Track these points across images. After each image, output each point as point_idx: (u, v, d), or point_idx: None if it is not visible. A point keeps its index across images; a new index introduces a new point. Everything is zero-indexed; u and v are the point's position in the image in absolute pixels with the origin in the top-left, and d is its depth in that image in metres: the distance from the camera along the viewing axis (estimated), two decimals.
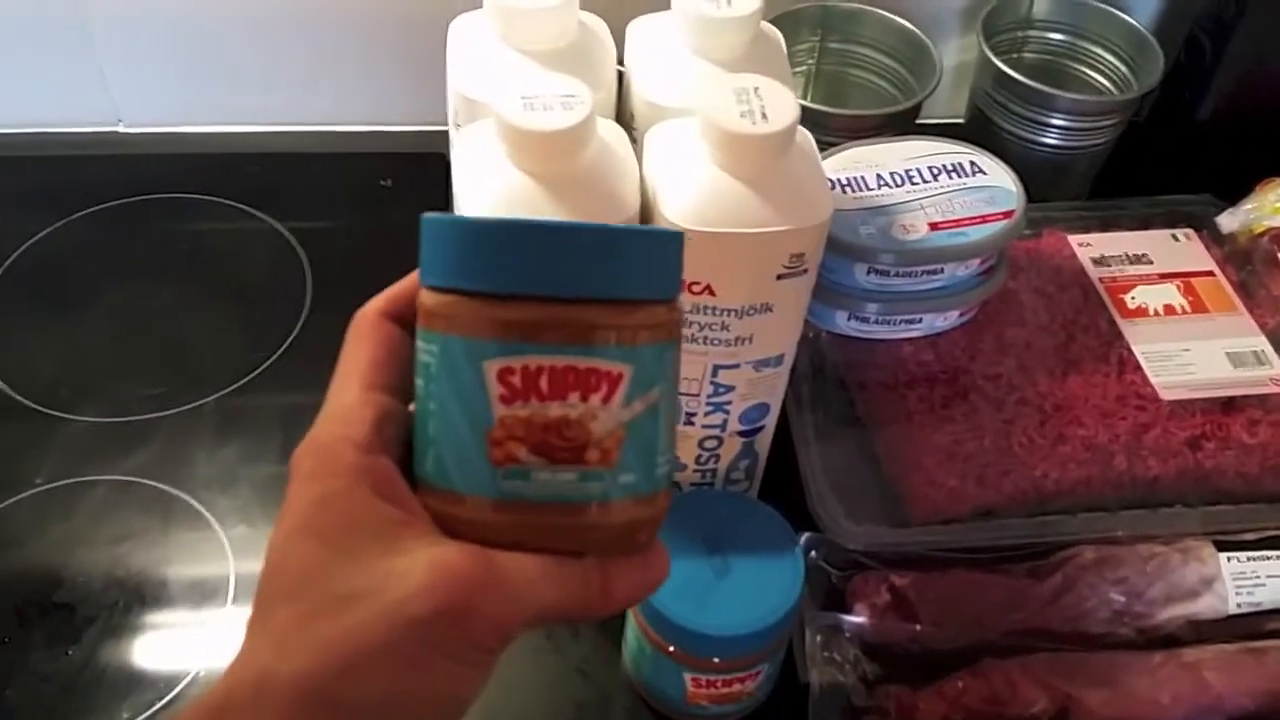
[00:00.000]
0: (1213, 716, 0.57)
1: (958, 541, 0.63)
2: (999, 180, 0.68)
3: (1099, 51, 0.87)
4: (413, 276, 0.37)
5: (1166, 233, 0.78)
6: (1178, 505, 0.65)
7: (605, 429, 0.33)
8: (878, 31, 0.86)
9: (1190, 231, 0.79)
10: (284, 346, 0.75)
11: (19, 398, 0.72)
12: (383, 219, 0.83)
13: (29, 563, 0.65)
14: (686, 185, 0.51)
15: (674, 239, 0.35)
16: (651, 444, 0.34)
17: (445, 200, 0.54)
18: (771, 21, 0.61)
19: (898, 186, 0.68)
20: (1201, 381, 0.69)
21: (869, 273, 0.66)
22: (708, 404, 0.60)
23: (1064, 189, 0.85)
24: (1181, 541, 0.63)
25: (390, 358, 0.36)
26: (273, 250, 0.81)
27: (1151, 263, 0.76)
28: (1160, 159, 0.88)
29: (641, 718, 0.61)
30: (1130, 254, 0.77)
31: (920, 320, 0.69)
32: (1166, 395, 0.68)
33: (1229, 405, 0.69)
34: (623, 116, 0.60)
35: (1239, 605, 0.61)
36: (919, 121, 0.82)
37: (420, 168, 0.85)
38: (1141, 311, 0.73)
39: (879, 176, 0.68)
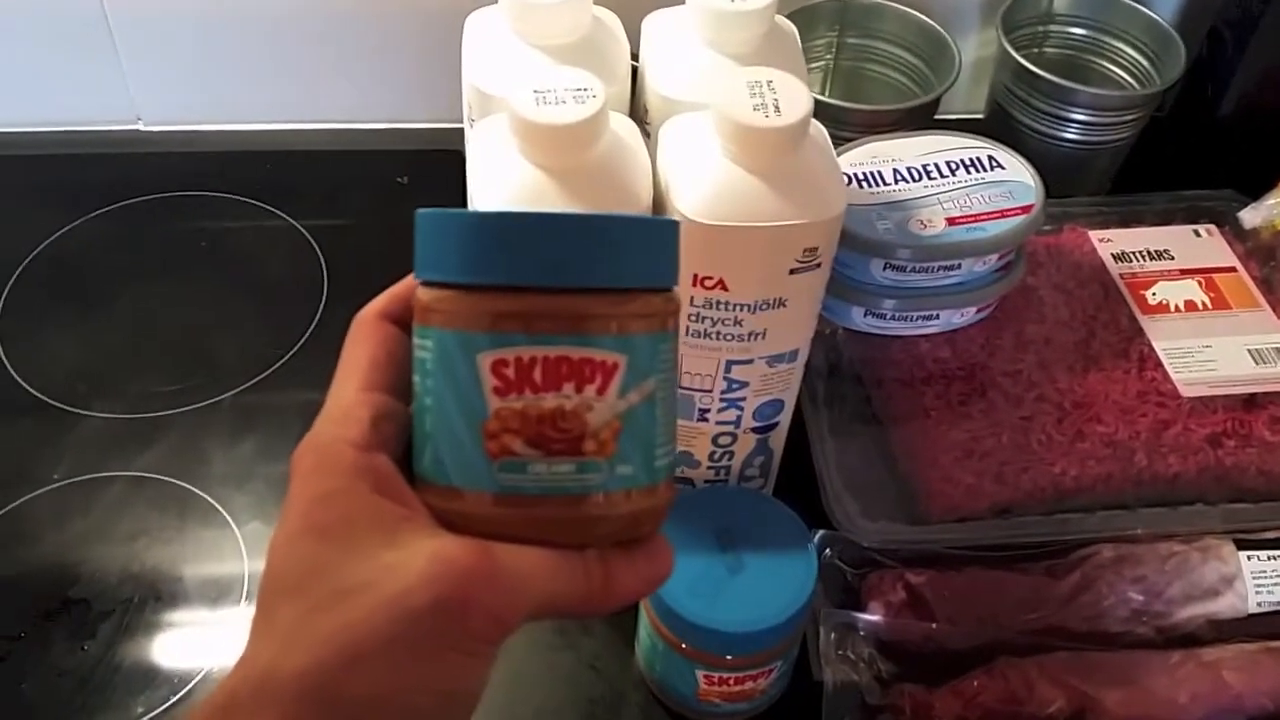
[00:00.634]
0: (1232, 716, 0.56)
1: (974, 539, 0.62)
2: (1017, 175, 0.68)
3: (1120, 46, 0.86)
4: (410, 277, 0.37)
5: (1188, 228, 0.78)
6: (1198, 503, 0.65)
7: (601, 420, 0.33)
8: (896, 26, 0.85)
9: (1212, 227, 0.78)
10: (300, 343, 0.75)
11: (38, 394, 0.72)
12: (399, 216, 0.81)
13: (46, 558, 0.65)
14: (699, 179, 0.51)
15: (668, 227, 0.35)
16: (650, 435, 0.34)
17: (461, 197, 0.54)
18: (789, 17, 0.61)
19: (915, 181, 0.67)
20: (1223, 378, 0.68)
21: (885, 268, 0.66)
22: (721, 400, 0.59)
23: (1085, 184, 0.85)
24: (1201, 540, 0.62)
25: (389, 358, 0.37)
26: (290, 247, 0.81)
27: (1173, 258, 0.75)
28: (1182, 154, 0.88)
29: (654, 714, 0.60)
30: (1151, 250, 0.76)
31: (937, 316, 0.69)
32: (1187, 392, 0.68)
33: (1250, 402, 0.68)
34: (637, 111, 0.60)
35: (1259, 604, 0.61)
36: (938, 117, 0.81)
37: (436, 165, 0.85)
38: (1162, 308, 0.72)
39: (896, 171, 0.68)
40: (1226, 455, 0.66)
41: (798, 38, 0.61)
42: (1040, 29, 0.87)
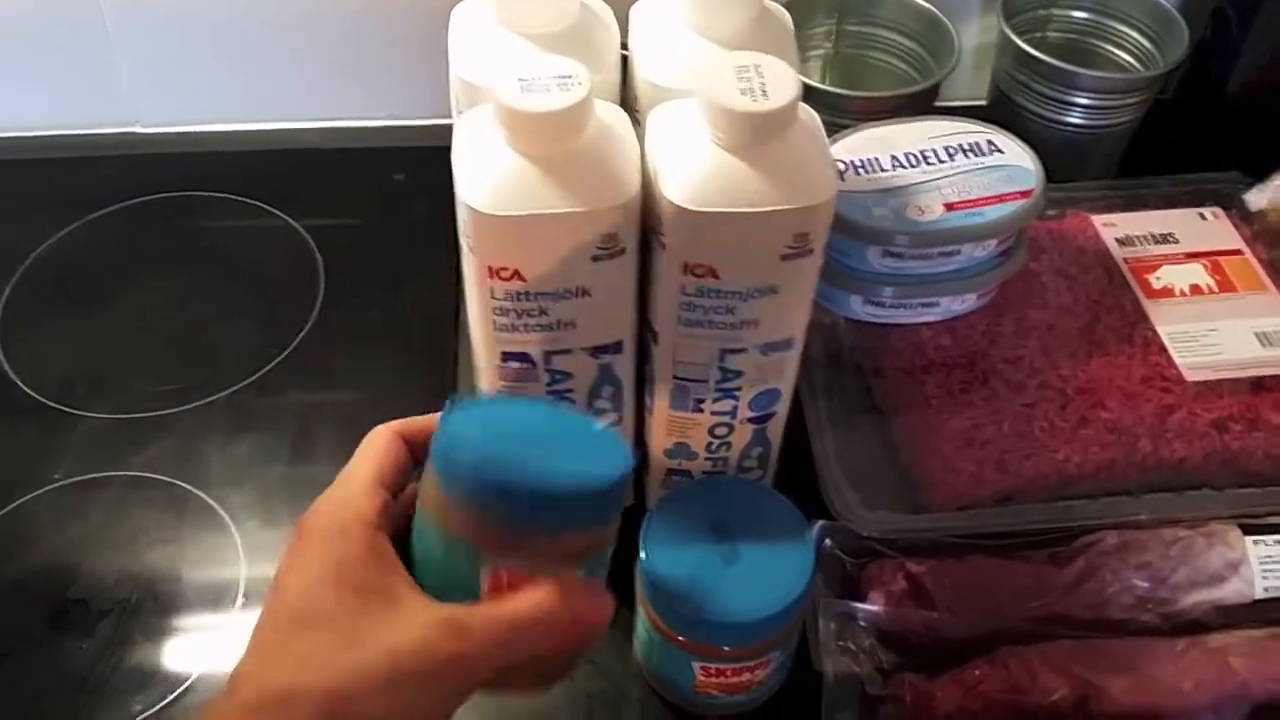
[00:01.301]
0: (1238, 703, 0.56)
1: (975, 527, 0.61)
2: (1017, 159, 0.67)
3: (1123, 28, 0.85)
4: (430, 418, 0.48)
5: (1193, 211, 0.77)
6: (1204, 489, 0.64)
7: None
8: (895, 13, 0.85)
9: (1218, 210, 0.77)
10: (296, 341, 0.75)
11: (37, 395, 0.72)
12: (395, 213, 0.83)
13: (46, 558, 0.65)
14: (686, 165, 0.50)
15: (615, 492, 0.45)
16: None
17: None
18: (786, 6, 0.60)
19: (913, 167, 0.66)
20: (1229, 362, 0.67)
21: (883, 255, 0.65)
22: (716, 390, 0.59)
23: (1089, 169, 0.84)
24: (1207, 526, 0.61)
25: (395, 467, 0.47)
26: (287, 246, 0.81)
27: (1178, 242, 0.74)
28: (1188, 137, 0.86)
29: (652, 708, 0.60)
30: (1156, 233, 0.75)
31: (937, 304, 0.68)
32: (1192, 376, 0.67)
33: (1258, 386, 0.67)
34: (627, 99, 0.59)
35: (1266, 590, 0.60)
36: (941, 105, 0.81)
37: (433, 161, 0.83)
38: (1167, 292, 0.71)
39: (893, 158, 0.67)
40: (1233, 440, 0.65)
41: (789, 22, 0.60)
42: (1041, 13, 0.86)
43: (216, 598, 0.63)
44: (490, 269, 0.52)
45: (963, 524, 0.62)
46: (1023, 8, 0.84)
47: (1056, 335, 0.69)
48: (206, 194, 0.85)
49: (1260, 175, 0.78)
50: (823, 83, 0.84)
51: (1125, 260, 0.73)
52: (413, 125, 0.90)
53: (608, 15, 0.60)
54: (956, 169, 0.66)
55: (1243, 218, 0.76)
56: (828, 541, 0.62)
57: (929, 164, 0.66)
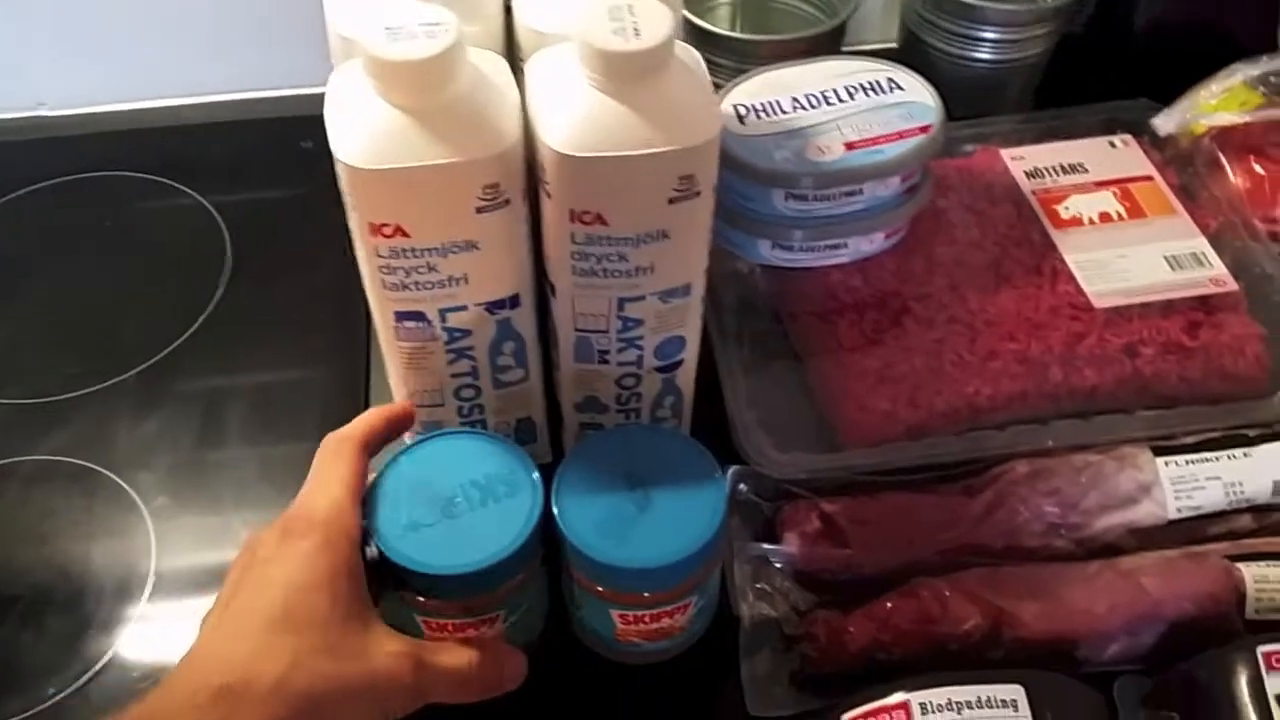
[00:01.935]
0: (1152, 623, 0.56)
1: (885, 463, 0.61)
2: (917, 95, 0.66)
3: None
4: (382, 412, 0.55)
5: (1103, 140, 0.76)
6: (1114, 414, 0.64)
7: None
8: None
9: (1128, 137, 0.77)
10: (203, 317, 0.74)
11: None
12: (306, 180, 0.81)
13: None
14: (565, 111, 0.50)
15: (521, 554, 0.52)
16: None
17: None
18: None
19: (813, 109, 0.66)
20: (1138, 287, 0.67)
21: (787, 198, 0.65)
22: (619, 340, 0.58)
23: (1003, 105, 0.84)
24: (1117, 449, 0.61)
25: (361, 481, 0.51)
26: (193, 222, 0.80)
27: (1087, 171, 0.74)
28: (1100, 69, 0.86)
29: (577, 660, 0.60)
30: (1065, 164, 0.75)
31: (845, 245, 0.68)
32: (1101, 304, 0.67)
33: (1168, 309, 0.67)
34: (512, 48, 0.58)
35: (1179, 510, 0.60)
36: (854, 48, 0.80)
37: None
38: (1075, 221, 0.71)
39: (794, 100, 0.66)
40: (1145, 364, 0.65)
41: None
42: None
43: (127, 579, 0.62)
44: (372, 226, 0.51)
45: (872, 460, 0.62)
46: None
47: (965, 270, 0.69)
48: (113, 173, 0.83)
49: (1169, 101, 0.78)
50: (733, 29, 0.84)
51: (1034, 192, 0.73)
52: (319, 93, 0.88)
53: None
54: (857, 108, 0.66)
55: (1153, 144, 0.76)
56: (742, 486, 0.61)
57: (829, 104, 0.66)
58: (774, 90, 0.67)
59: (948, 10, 0.79)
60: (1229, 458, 0.61)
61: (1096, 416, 0.63)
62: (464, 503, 0.53)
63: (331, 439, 0.52)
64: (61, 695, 0.58)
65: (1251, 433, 0.62)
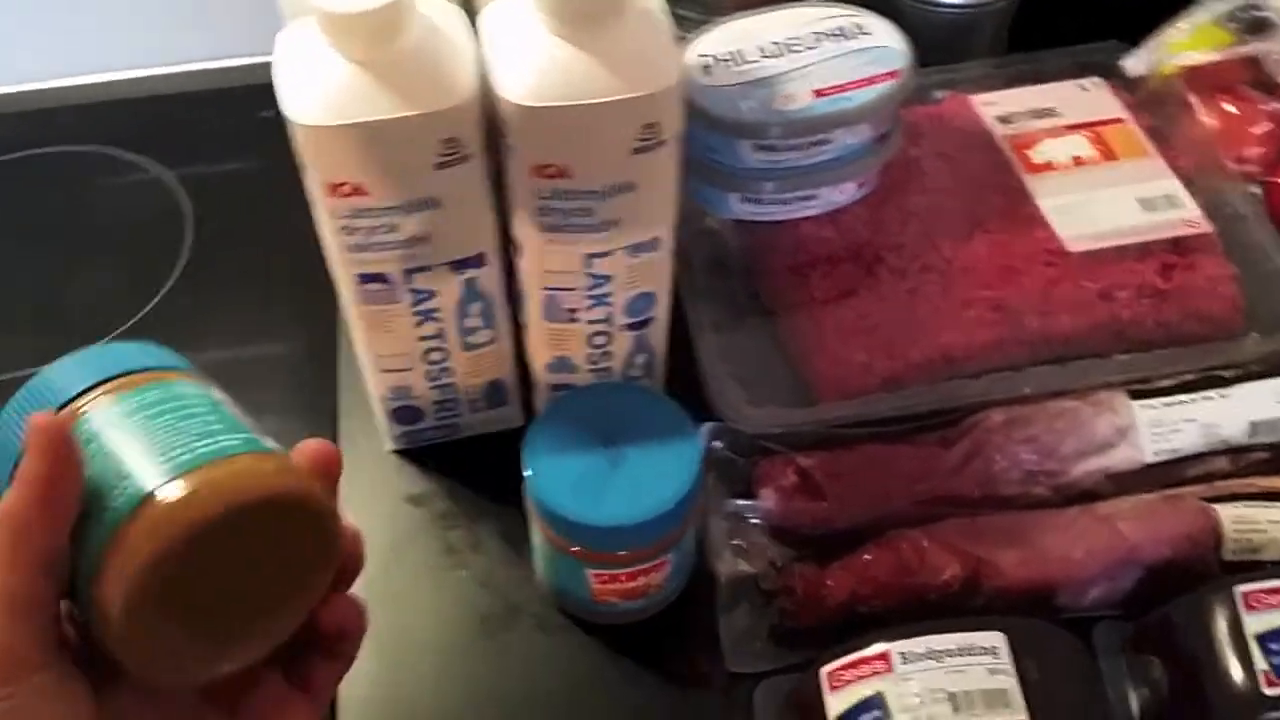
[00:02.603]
0: (1129, 568, 0.55)
1: (860, 415, 0.60)
2: (885, 40, 0.65)
3: None
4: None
5: (1074, 83, 0.75)
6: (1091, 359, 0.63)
7: None
8: None
9: (1099, 80, 0.76)
10: (163, 291, 0.73)
11: None
12: (267, 151, 0.79)
13: None
14: (522, 60, 0.48)
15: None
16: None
17: None
18: None
19: (780, 57, 0.65)
20: (1111, 231, 0.67)
21: (755, 150, 0.63)
22: (588, 297, 0.57)
23: (972, 52, 0.82)
24: (1094, 395, 0.61)
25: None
26: (152, 196, 0.78)
27: (1059, 115, 0.73)
28: (1072, 11, 0.85)
29: (550, 622, 0.59)
30: (1036, 108, 0.74)
31: (816, 196, 0.67)
32: (1075, 248, 0.66)
33: (1143, 252, 0.66)
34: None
35: (1156, 454, 0.59)
36: None
37: None
38: (1048, 166, 0.70)
39: (760, 48, 0.65)
40: (1121, 308, 0.65)
41: None
42: None
43: None
44: (329, 186, 0.50)
45: (847, 413, 0.61)
46: None
47: (938, 218, 0.68)
48: (67, 149, 0.82)
49: (1138, 42, 0.77)
50: None
51: (1006, 138, 0.72)
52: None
53: None
54: (824, 55, 0.64)
55: (1124, 85, 0.75)
56: (717, 443, 0.60)
57: (795, 52, 0.65)
58: (739, 39, 0.66)
59: None
60: (1205, 399, 0.61)
61: (1073, 362, 0.63)
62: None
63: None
64: None
65: (1228, 374, 0.62)
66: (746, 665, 0.56)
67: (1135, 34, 0.78)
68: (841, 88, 0.63)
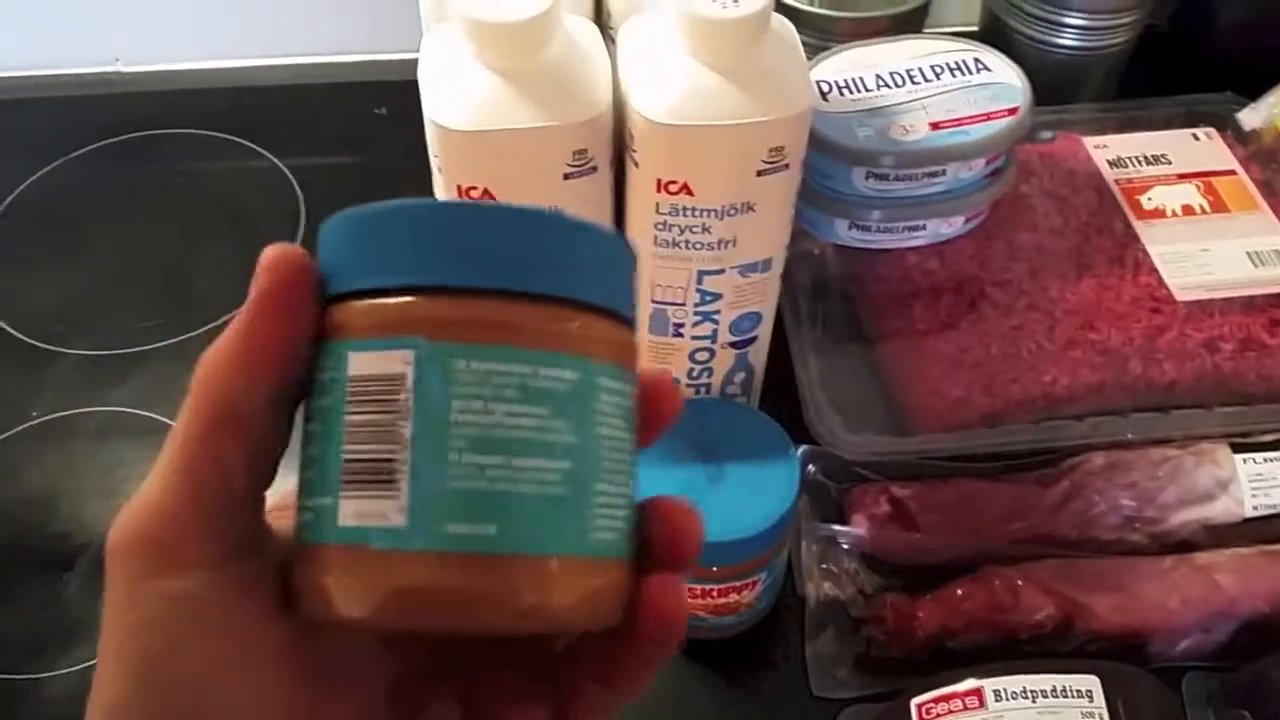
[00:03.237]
0: (1225, 620, 0.55)
1: (959, 449, 0.61)
2: (1004, 77, 0.65)
3: None
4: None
5: (1186, 132, 0.75)
6: (1194, 409, 0.63)
7: None
8: None
9: (1211, 130, 0.75)
10: None
11: (16, 333, 0.72)
12: (377, 148, 0.82)
13: (26, 493, 0.65)
14: (658, 78, 0.49)
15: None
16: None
17: None
18: None
19: (898, 87, 0.65)
20: (1220, 282, 0.66)
21: (868, 177, 0.64)
22: (695, 314, 0.58)
23: (1084, 93, 0.82)
24: (1196, 445, 0.61)
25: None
26: (268, 183, 0.80)
27: (1170, 163, 0.73)
28: (1183, 61, 0.85)
29: None
30: (1148, 155, 0.73)
31: (924, 227, 0.67)
32: (1183, 296, 0.66)
33: (1249, 305, 0.66)
34: (601, 16, 0.58)
35: (1255, 508, 0.59)
36: (934, 31, 0.79)
37: (413, 95, 0.83)
38: (1158, 213, 0.70)
39: (878, 77, 0.65)
40: (1224, 360, 0.64)
41: None
42: None
43: None
44: (459, 189, 0.51)
45: (946, 445, 0.61)
46: None
47: (1046, 257, 0.68)
48: (187, 131, 0.84)
49: (1254, 95, 0.76)
50: (810, 4, 0.83)
51: (1116, 182, 0.72)
52: (393, 59, 0.88)
53: None
54: (942, 88, 0.65)
55: (1237, 138, 0.75)
56: (811, 467, 0.61)
57: (914, 83, 0.65)
58: (858, 67, 0.66)
59: None
60: None
61: (1175, 411, 0.62)
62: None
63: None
64: None
65: None
66: (829, 690, 0.57)
67: (1245, 87, 0.78)
68: (959, 121, 0.63)
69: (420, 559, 0.25)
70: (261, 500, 0.28)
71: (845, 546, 0.59)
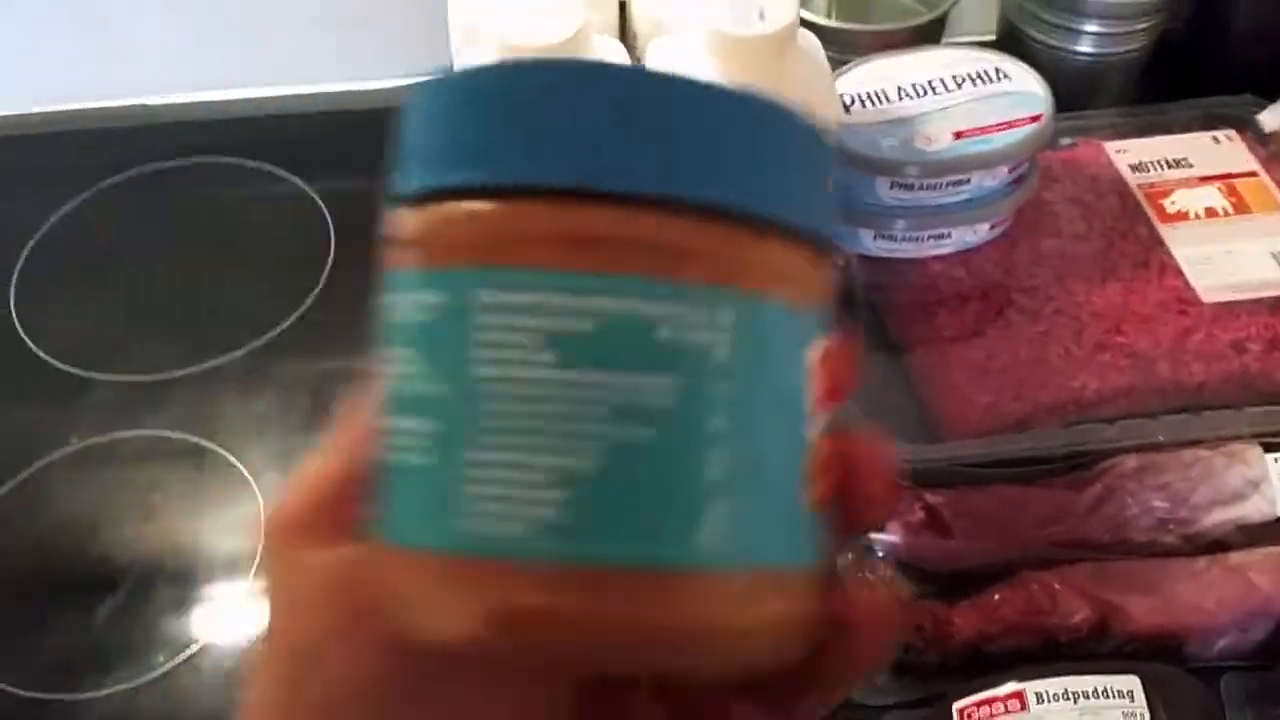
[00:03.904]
0: (1261, 619, 0.55)
1: (991, 454, 0.61)
2: (1026, 86, 0.66)
3: None
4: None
5: (1207, 135, 0.76)
6: (1224, 410, 0.63)
7: None
8: None
9: (1232, 133, 0.76)
10: (309, 301, 0.75)
11: (52, 360, 0.73)
12: None
13: (66, 517, 0.66)
14: None
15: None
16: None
17: None
18: None
19: (920, 98, 0.66)
20: (1246, 283, 0.67)
21: (892, 187, 0.65)
22: None
23: (1102, 99, 0.83)
24: (1227, 445, 0.61)
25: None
26: (297, 209, 0.81)
27: (1192, 166, 0.73)
28: (1201, 65, 0.85)
29: None
30: (1169, 159, 0.74)
31: (949, 235, 0.68)
32: (1209, 298, 0.66)
33: (1276, 306, 0.66)
34: (626, 37, 0.59)
35: None
36: (951, 40, 0.80)
37: None
38: (1181, 216, 0.70)
39: (900, 89, 0.66)
40: (1252, 360, 0.64)
41: None
42: None
43: (237, 548, 0.64)
44: None
45: (977, 451, 0.61)
46: None
47: (1071, 263, 0.68)
48: (215, 159, 0.84)
49: (1273, 97, 0.77)
50: (829, 19, 0.83)
51: (1139, 186, 0.72)
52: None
53: None
54: (965, 97, 0.65)
55: (1257, 140, 0.75)
56: None
57: (936, 94, 0.66)
58: (880, 79, 0.67)
59: (1050, 2, 0.78)
60: None
61: (1205, 412, 0.63)
62: None
63: None
64: (171, 665, 0.60)
65: None
66: (867, 697, 0.57)
67: (1265, 90, 0.78)
68: (982, 130, 0.64)
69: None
70: None
71: (880, 554, 0.59)
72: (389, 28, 0.87)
